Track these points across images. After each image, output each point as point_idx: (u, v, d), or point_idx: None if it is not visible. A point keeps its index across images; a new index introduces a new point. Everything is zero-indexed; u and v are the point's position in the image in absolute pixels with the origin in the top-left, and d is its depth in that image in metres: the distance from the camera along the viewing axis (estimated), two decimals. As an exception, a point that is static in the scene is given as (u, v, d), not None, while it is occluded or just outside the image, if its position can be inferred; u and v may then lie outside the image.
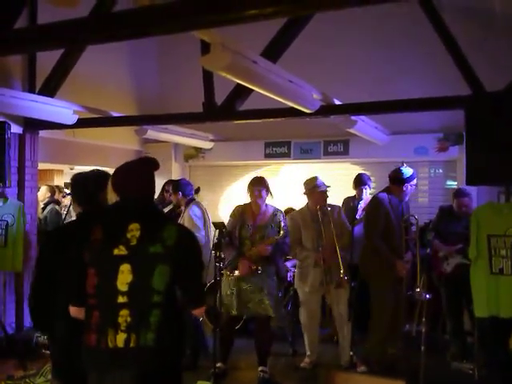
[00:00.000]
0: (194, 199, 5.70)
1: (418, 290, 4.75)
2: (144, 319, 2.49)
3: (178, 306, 2.63)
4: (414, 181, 5.23)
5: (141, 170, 2.77)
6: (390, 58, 6.96)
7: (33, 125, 6.10)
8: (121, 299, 2.51)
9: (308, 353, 5.40)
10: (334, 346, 5.47)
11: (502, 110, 4.14)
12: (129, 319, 2.49)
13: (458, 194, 5.58)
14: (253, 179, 5.11)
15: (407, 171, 5.16)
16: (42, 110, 5.47)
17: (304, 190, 5.32)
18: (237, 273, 4.90)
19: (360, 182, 6.22)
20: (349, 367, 5.01)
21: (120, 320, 2.49)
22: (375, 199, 5.25)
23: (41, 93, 5.84)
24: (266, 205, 5.07)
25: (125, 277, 2.52)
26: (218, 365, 5.02)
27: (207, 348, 5.35)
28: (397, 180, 5.17)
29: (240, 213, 5.08)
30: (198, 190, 5.83)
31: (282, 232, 4.91)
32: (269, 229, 4.95)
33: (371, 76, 7.01)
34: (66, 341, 2.82)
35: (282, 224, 5.00)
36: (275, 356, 5.42)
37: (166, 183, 6.84)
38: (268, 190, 5.03)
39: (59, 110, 5.61)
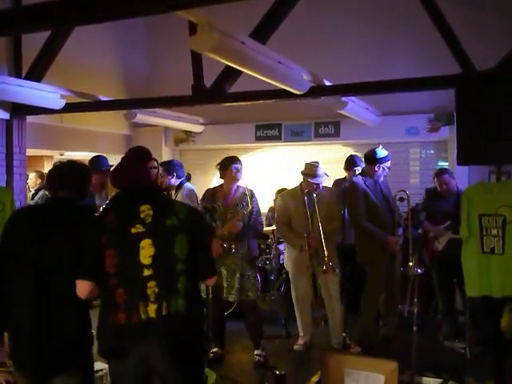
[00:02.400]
0: (186, 181, 5.64)
1: (411, 264, 4.79)
2: (172, 287, 2.61)
3: (196, 274, 2.77)
4: (388, 163, 5.28)
5: (135, 161, 2.92)
6: (381, 39, 6.90)
7: (20, 110, 6.01)
8: (146, 272, 2.61)
9: (301, 334, 5.42)
10: (327, 327, 5.49)
11: (493, 89, 4.12)
12: (157, 290, 2.59)
13: (437, 172, 5.68)
14: (229, 158, 5.09)
15: (381, 152, 5.26)
16: (28, 94, 5.39)
17: (302, 171, 5.30)
18: None
19: (352, 163, 6.21)
20: (342, 348, 5.03)
21: (149, 292, 2.58)
22: (350, 184, 5.36)
23: (27, 77, 5.75)
24: (238, 185, 5.07)
25: (147, 251, 2.62)
26: (214, 350, 5.04)
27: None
28: (370, 160, 5.29)
29: (210, 195, 5.11)
30: (189, 177, 5.75)
31: (249, 207, 4.87)
32: (239, 207, 4.95)
33: (362, 56, 6.95)
34: (26, 327, 2.77)
35: (253, 201, 4.98)
36: (269, 338, 5.44)
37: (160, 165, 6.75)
38: (240, 170, 5.03)
39: (46, 94, 5.54)
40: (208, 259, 2.89)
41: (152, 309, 2.57)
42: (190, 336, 2.65)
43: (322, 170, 5.25)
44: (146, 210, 2.69)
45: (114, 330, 2.63)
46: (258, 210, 5.06)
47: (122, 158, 2.98)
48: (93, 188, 5.50)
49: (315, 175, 5.17)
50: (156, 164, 6.70)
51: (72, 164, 3.10)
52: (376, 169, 5.25)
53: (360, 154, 7.14)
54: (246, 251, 4.95)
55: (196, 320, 2.70)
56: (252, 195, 5.02)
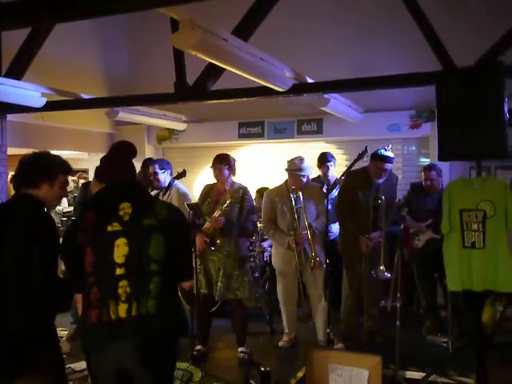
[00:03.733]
0: (175, 180, 5.61)
1: (381, 267, 4.85)
2: (144, 287, 2.57)
3: (173, 275, 2.71)
4: (385, 165, 5.20)
5: (119, 155, 2.87)
6: (362, 36, 6.94)
7: (0, 109, 5.95)
8: (118, 271, 2.58)
9: (286, 330, 5.43)
10: (311, 323, 5.51)
11: (473, 85, 4.16)
12: (128, 289, 2.56)
13: (426, 167, 5.71)
14: (215, 157, 5.07)
15: (382, 151, 5.20)
16: (8, 92, 5.33)
17: (286, 167, 5.31)
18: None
19: (323, 159, 6.26)
20: (326, 344, 5.06)
21: (120, 291, 2.56)
22: (345, 175, 5.32)
23: (7, 75, 5.68)
24: (234, 183, 5.05)
25: (121, 250, 2.60)
26: (198, 347, 5.02)
27: (188, 328, 5.34)
28: (371, 156, 5.25)
29: (206, 191, 5.12)
30: (184, 174, 5.62)
31: (228, 201, 4.81)
32: (228, 204, 4.88)
33: (344, 54, 6.99)
34: None
35: (245, 199, 4.95)
36: (253, 335, 5.45)
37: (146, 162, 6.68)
38: (230, 168, 4.99)
39: (27, 92, 5.48)
40: (185, 262, 2.83)
41: (122, 308, 2.55)
42: (160, 337, 2.59)
43: (306, 162, 5.23)
44: (125, 208, 2.66)
45: (87, 328, 2.64)
46: (250, 209, 5.00)
47: (108, 153, 2.92)
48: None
49: (301, 168, 5.16)
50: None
51: (32, 157, 2.97)
52: (372, 166, 5.25)
53: (342, 151, 7.21)
54: (232, 249, 4.92)
55: (168, 321, 2.63)
56: (245, 193, 4.99)
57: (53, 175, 2.91)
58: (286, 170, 5.28)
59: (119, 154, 2.89)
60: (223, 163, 4.97)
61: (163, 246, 2.63)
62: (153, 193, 5.91)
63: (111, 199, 2.74)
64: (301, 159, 5.21)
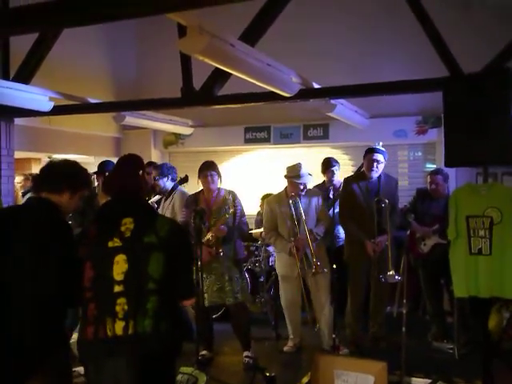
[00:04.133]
0: (179, 185, 5.59)
1: (390, 273, 4.83)
2: (141, 306, 2.54)
3: (174, 294, 2.69)
4: (377, 156, 5.23)
5: (126, 168, 2.87)
6: (369, 42, 6.95)
7: (8, 112, 5.98)
8: (117, 288, 2.55)
9: (291, 336, 5.42)
10: (315, 329, 5.49)
11: (480, 91, 4.15)
12: (126, 307, 2.53)
13: (432, 171, 5.72)
14: (202, 164, 5.04)
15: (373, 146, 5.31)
16: (16, 96, 5.35)
17: (285, 174, 5.31)
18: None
19: (328, 164, 6.26)
20: (331, 350, 5.05)
21: (118, 308, 2.53)
22: (343, 181, 5.44)
23: (15, 79, 5.72)
24: (219, 188, 5.04)
25: (120, 267, 2.57)
26: (203, 352, 5.02)
27: (193, 333, 5.33)
28: (363, 156, 5.34)
29: (192, 201, 5.07)
30: (186, 179, 5.63)
31: (231, 210, 4.85)
32: (222, 211, 4.92)
33: (350, 60, 7.01)
34: None
35: (236, 203, 4.97)
36: (259, 340, 5.45)
37: (147, 165, 6.70)
38: (219, 174, 4.99)
39: (34, 96, 5.51)
40: (187, 280, 2.79)
41: (119, 326, 2.52)
42: (157, 356, 2.56)
43: (305, 169, 5.21)
44: (127, 224, 2.63)
45: (84, 344, 2.61)
46: (242, 211, 5.05)
47: (115, 165, 2.92)
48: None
49: (299, 175, 5.14)
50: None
51: (64, 163, 2.98)
52: (364, 162, 5.29)
53: (349, 156, 7.21)
54: (231, 253, 4.96)
55: (164, 341, 2.58)
56: (235, 197, 5.01)
57: (77, 187, 2.93)
58: (285, 176, 5.28)
59: (125, 167, 2.88)
60: (215, 170, 4.97)
61: (162, 265, 2.59)
62: (155, 198, 5.93)
63: (114, 214, 2.71)
64: (299, 166, 5.19)
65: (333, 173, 6.23)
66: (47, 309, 2.67)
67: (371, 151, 5.26)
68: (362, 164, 5.41)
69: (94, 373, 2.60)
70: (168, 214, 5.34)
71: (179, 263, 2.68)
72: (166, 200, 5.53)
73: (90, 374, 2.63)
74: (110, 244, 2.60)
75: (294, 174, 5.18)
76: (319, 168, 6.39)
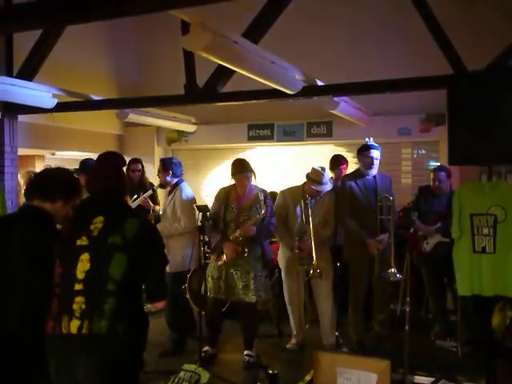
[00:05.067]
0: (183, 181, 5.53)
1: (392, 270, 4.82)
2: (98, 307, 2.53)
3: (137, 297, 2.68)
4: (372, 153, 5.22)
5: (104, 166, 2.86)
6: (373, 39, 6.93)
7: (11, 109, 5.99)
8: (77, 286, 2.57)
9: (294, 332, 5.42)
10: (319, 326, 5.49)
11: (484, 89, 4.14)
12: (83, 306, 2.54)
13: (435, 168, 5.70)
14: (238, 164, 5.00)
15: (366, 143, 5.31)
16: (20, 93, 5.36)
17: (307, 174, 5.23)
18: (224, 258, 4.84)
19: (336, 162, 6.25)
20: (334, 348, 5.05)
21: (75, 307, 2.54)
22: (341, 182, 5.41)
23: (19, 76, 5.72)
24: (251, 185, 5.00)
25: (83, 265, 2.58)
26: (206, 349, 5.02)
27: (196, 331, 5.34)
28: (357, 151, 5.37)
29: (224, 195, 5.03)
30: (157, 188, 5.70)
31: (263, 211, 4.81)
32: (253, 210, 4.88)
33: (354, 57, 6.99)
34: None
35: (267, 203, 4.92)
36: (261, 337, 5.44)
37: (132, 162, 6.67)
38: (253, 173, 4.97)
39: (38, 93, 5.51)
40: (155, 282, 2.73)
41: (74, 325, 2.52)
42: (111, 358, 2.53)
43: (327, 177, 5.17)
44: (97, 223, 2.64)
45: (47, 337, 2.62)
46: (272, 211, 5.00)
47: (94, 164, 2.93)
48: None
49: (320, 182, 5.07)
50: (140, 167, 6.74)
51: (58, 171, 3.02)
52: (360, 160, 5.29)
53: (352, 154, 7.17)
54: (260, 254, 4.94)
55: (120, 343, 2.54)
56: (266, 197, 4.95)
57: (70, 195, 2.96)
58: (307, 176, 5.19)
59: (103, 165, 2.88)
60: (251, 170, 4.93)
61: (125, 266, 2.57)
62: (147, 193, 5.95)
63: (87, 212, 2.73)
64: (323, 173, 5.09)
65: (341, 171, 6.21)
66: (32, 309, 2.73)
67: (367, 148, 5.24)
68: None
69: (53, 368, 2.61)
70: (169, 210, 5.30)
71: (147, 265, 2.66)
72: (168, 195, 5.48)
73: (51, 370, 2.64)
74: (78, 242, 2.63)
75: (315, 178, 5.08)
76: (323, 165, 6.35)
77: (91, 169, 2.91)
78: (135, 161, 6.74)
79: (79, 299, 2.54)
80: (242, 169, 4.94)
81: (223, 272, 4.90)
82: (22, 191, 7.25)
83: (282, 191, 5.48)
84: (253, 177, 4.97)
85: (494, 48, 4.32)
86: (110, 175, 2.80)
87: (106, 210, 2.70)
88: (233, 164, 5.05)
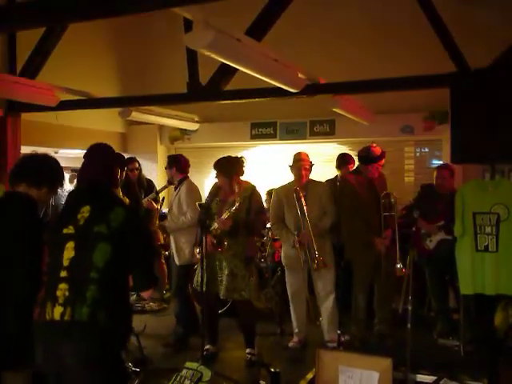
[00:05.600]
0: (188, 177, 5.56)
1: (398, 266, 4.82)
2: (80, 294, 2.57)
3: (121, 286, 2.71)
4: (382, 161, 5.28)
5: (93, 158, 2.91)
6: (376, 37, 6.92)
7: (14, 107, 6.01)
8: (62, 273, 2.62)
9: (296, 330, 5.40)
10: (317, 323, 5.49)
11: (487, 87, 4.14)
12: (67, 293, 2.58)
13: (439, 166, 5.70)
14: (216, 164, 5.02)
15: (375, 151, 5.25)
16: (23, 92, 5.38)
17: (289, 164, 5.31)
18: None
19: (343, 161, 6.24)
20: (336, 346, 5.04)
21: (59, 293, 2.59)
22: (342, 181, 5.44)
23: (22, 74, 5.74)
24: (241, 182, 4.98)
25: (68, 253, 2.64)
26: (207, 347, 5.02)
27: (199, 329, 5.35)
28: (364, 159, 5.30)
29: (215, 189, 5.05)
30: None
31: (236, 204, 4.72)
32: (235, 204, 4.81)
33: (357, 55, 6.98)
34: None
35: (252, 200, 4.87)
36: (263, 336, 5.44)
37: (129, 161, 6.71)
38: (228, 172, 4.91)
39: (41, 92, 5.53)
40: (140, 272, 2.74)
41: (57, 311, 2.56)
42: (92, 345, 2.55)
43: (305, 155, 5.29)
44: (84, 212, 2.69)
45: (34, 325, 2.70)
46: (259, 209, 4.94)
47: (85, 155, 2.95)
48: None
49: (300, 159, 5.21)
50: (137, 165, 6.79)
51: (44, 158, 3.08)
52: (369, 168, 5.26)
53: (355, 152, 7.16)
54: (239, 249, 4.88)
55: (101, 330, 2.57)
56: (253, 193, 4.90)
57: (56, 184, 3.07)
58: (290, 165, 5.28)
59: (92, 156, 2.92)
60: (219, 171, 4.94)
61: (108, 255, 2.60)
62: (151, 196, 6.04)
63: (76, 202, 2.79)
64: (299, 153, 5.33)
65: (347, 170, 6.20)
66: (18, 299, 2.81)
67: (375, 160, 5.24)
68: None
69: (40, 354, 2.64)
70: (174, 206, 5.37)
71: (132, 255, 2.69)
72: (174, 190, 5.55)
73: (38, 356, 2.67)
74: (65, 231, 2.68)
75: (293, 159, 5.26)
76: (326, 164, 6.37)
77: (85, 161, 2.93)
78: (132, 160, 6.80)
79: (63, 286, 2.59)
80: (214, 169, 4.98)
81: (206, 264, 4.90)
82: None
83: (275, 190, 5.50)
84: (226, 176, 4.91)
85: (497, 46, 4.31)
86: (98, 166, 2.86)
87: (93, 200, 2.75)
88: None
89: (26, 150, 6.91)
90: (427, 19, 4.59)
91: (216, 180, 5.11)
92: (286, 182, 5.46)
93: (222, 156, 5.09)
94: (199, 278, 4.83)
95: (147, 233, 2.90)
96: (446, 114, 6.67)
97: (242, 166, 4.99)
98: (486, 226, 4.29)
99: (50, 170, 3.04)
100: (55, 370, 2.61)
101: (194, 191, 5.41)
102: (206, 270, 4.85)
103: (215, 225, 4.82)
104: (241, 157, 5.06)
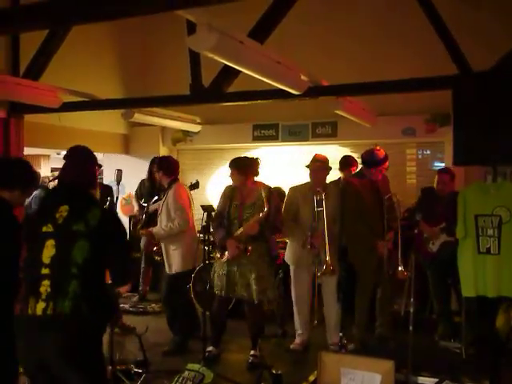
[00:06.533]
0: (178, 180, 5.39)
1: (400, 268, 4.82)
2: (62, 289, 2.69)
3: (100, 280, 2.85)
4: (386, 164, 5.30)
5: (73, 160, 3.04)
6: (378, 39, 6.93)
7: (17, 109, 6.02)
8: (44, 271, 2.73)
9: (299, 331, 5.40)
10: (323, 327, 5.49)
11: (489, 89, 4.14)
12: (49, 289, 2.70)
13: (440, 170, 5.73)
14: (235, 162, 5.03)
15: (378, 154, 5.25)
16: (26, 93, 5.39)
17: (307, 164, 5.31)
18: (226, 254, 4.86)
19: (346, 163, 6.25)
20: (338, 348, 5.04)
21: (41, 289, 2.70)
22: (344, 184, 5.43)
23: (25, 76, 5.76)
24: (256, 183, 4.98)
25: (49, 251, 2.75)
26: (210, 349, 5.03)
27: (200, 330, 5.35)
28: (367, 162, 5.31)
29: (229, 192, 5.03)
30: (197, 185, 5.59)
31: (265, 209, 4.72)
32: (256, 207, 4.84)
33: (359, 57, 6.98)
34: None
35: (271, 200, 4.84)
36: (265, 338, 5.44)
37: (152, 162, 6.85)
38: (243, 171, 4.93)
39: (44, 93, 5.54)
40: (118, 267, 2.92)
41: (40, 307, 2.67)
42: (75, 337, 2.67)
43: (324, 157, 5.30)
44: (62, 211, 2.80)
45: (15, 319, 2.80)
46: (277, 208, 4.95)
47: (66, 157, 3.06)
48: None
49: (318, 159, 5.23)
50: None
51: (17, 161, 3.26)
52: (373, 170, 5.26)
53: (357, 155, 7.16)
54: (264, 251, 4.91)
55: (82, 323, 2.70)
56: (269, 193, 4.86)
57: (28, 185, 3.25)
58: (308, 166, 5.26)
59: (72, 158, 3.04)
60: (234, 166, 4.96)
61: (87, 252, 2.73)
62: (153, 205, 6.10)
63: (54, 201, 2.91)
64: (318, 155, 5.30)
65: (350, 172, 6.20)
66: None
67: (378, 163, 5.26)
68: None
69: (21, 348, 2.75)
70: (163, 210, 5.22)
71: (110, 251, 2.84)
72: (163, 195, 5.43)
73: (19, 350, 2.77)
74: (44, 229, 2.79)
75: (314, 159, 5.26)
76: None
77: (65, 163, 3.07)
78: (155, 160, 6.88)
79: (46, 282, 2.70)
80: (230, 167, 5.00)
81: (226, 269, 4.91)
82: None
83: (291, 187, 5.47)
84: (241, 175, 4.93)
85: (500, 48, 4.31)
86: (78, 168, 2.98)
87: (71, 200, 2.86)
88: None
89: (28, 151, 6.94)
90: (429, 21, 4.59)
91: (227, 184, 5.13)
92: (302, 182, 5.44)
93: (236, 156, 5.13)
94: (219, 282, 4.92)
95: (122, 231, 3.02)
96: (447, 117, 6.65)
97: (258, 167, 5.02)
98: (488, 228, 4.29)
99: (21, 174, 3.22)
100: (36, 364, 2.72)
101: (181, 196, 5.19)
102: (227, 276, 4.88)
103: (240, 230, 4.82)
104: (256, 158, 5.09)
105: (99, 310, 2.79)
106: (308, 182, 5.34)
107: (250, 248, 4.79)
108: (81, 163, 3.01)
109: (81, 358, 2.70)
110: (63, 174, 3.06)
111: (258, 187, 4.92)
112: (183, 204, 5.14)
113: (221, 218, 4.97)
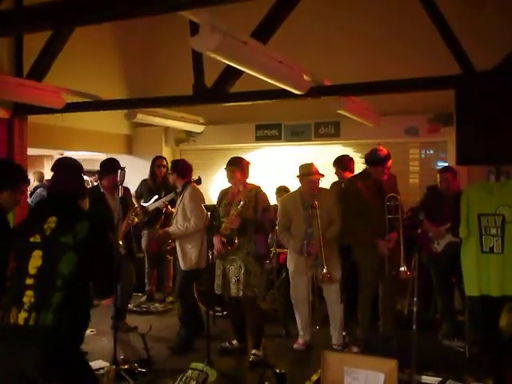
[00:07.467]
0: (191, 181, 5.53)
1: (402, 268, 4.83)
2: (46, 300, 2.70)
3: (83, 293, 2.86)
4: (389, 163, 5.27)
5: (62, 172, 3.06)
6: (381, 39, 6.93)
7: (21, 109, 6.04)
8: (28, 281, 2.74)
9: (301, 333, 5.42)
10: (326, 326, 5.50)
11: (492, 89, 4.14)
12: (32, 300, 2.70)
13: (441, 169, 5.69)
14: (228, 160, 5.14)
15: (381, 153, 5.26)
16: (29, 94, 5.41)
17: (297, 174, 5.32)
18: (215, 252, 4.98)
19: (342, 162, 6.24)
20: (342, 348, 5.05)
21: (25, 299, 2.71)
22: (346, 183, 5.45)
23: (28, 77, 5.77)
24: (246, 183, 5.09)
25: (35, 261, 2.76)
26: (234, 342, 5.24)
27: (204, 330, 5.36)
28: (370, 161, 5.32)
29: (221, 195, 5.20)
30: (199, 181, 5.66)
31: (241, 202, 4.84)
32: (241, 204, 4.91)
33: (362, 57, 6.98)
34: None
35: (258, 198, 4.98)
36: (269, 337, 5.45)
37: (157, 157, 6.95)
38: (242, 170, 5.03)
39: (47, 94, 5.56)
40: (101, 281, 2.93)
41: (22, 316, 2.67)
42: (56, 349, 2.68)
43: (316, 167, 5.27)
44: (50, 222, 2.81)
45: None
46: (265, 207, 5.03)
47: (54, 168, 3.08)
48: (104, 189, 5.50)
49: (311, 173, 5.18)
50: (165, 162, 6.93)
51: (4, 165, 3.29)
52: (380, 168, 5.25)
53: (360, 154, 7.18)
54: (251, 248, 4.97)
55: (64, 335, 2.71)
56: (258, 192, 5.02)
57: (16, 184, 3.21)
58: (298, 176, 5.28)
59: (61, 169, 3.08)
60: (234, 166, 5.05)
61: (74, 264, 2.74)
62: (168, 197, 6.18)
63: (42, 212, 2.93)
64: (311, 164, 5.26)
65: (346, 171, 6.20)
66: None
67: (382, 161, 5.25)
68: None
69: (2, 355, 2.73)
70: (179, 212, 5.38)
71: (95, 264, 2.86)
72: (179, 196, 5.57)
73: None
74: (32, 239, 2.80)
75: (306, 171, 5.22)
76: (331, 166, 6.36)
77: (53, 174, 3.09)
78: (160, 157, 7.10)
79: (29, 293, 2.71)
80: (227, 164, 5.10)
81: (221, 268, 5.04)
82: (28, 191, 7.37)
83: (281, 199, 5.59)
84: (240, 173, 5.03)
85: (503, 48, 4.31)
86: (67, 180, 3.01)
87: (60, 212, 2.87)
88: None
89: (32, 151, 6.96)
90: (432, 21, 4.59)
91: (221, 188, 5.25)
92: (291, 191, 5.52)
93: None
94: (218, 282, 5.04)
95: (108, 245, 3.08)
96: (450, 116, 6.66)
97: (248, 166, 5.12)
98: (492, 227, 4.29)
99: (8, 175, 3.21)
100: (13, 373, 2.70)
101: (196, 196, 5.39)
102: (223, 274, 5.00)
103: (224, 224, 4.93)
104: (248, 161, 5.20)
105: (80, 321, 2.82)
106: (297, 190, 5.40)
107: (236, 241, 4.89)
108: (68, 175, 3.04)
109: (60, 370, 2.71)
110: (51, 185, 3.09)
111: (247, 188, 5.06)
112: (198, 204, 5.26)
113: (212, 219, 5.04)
